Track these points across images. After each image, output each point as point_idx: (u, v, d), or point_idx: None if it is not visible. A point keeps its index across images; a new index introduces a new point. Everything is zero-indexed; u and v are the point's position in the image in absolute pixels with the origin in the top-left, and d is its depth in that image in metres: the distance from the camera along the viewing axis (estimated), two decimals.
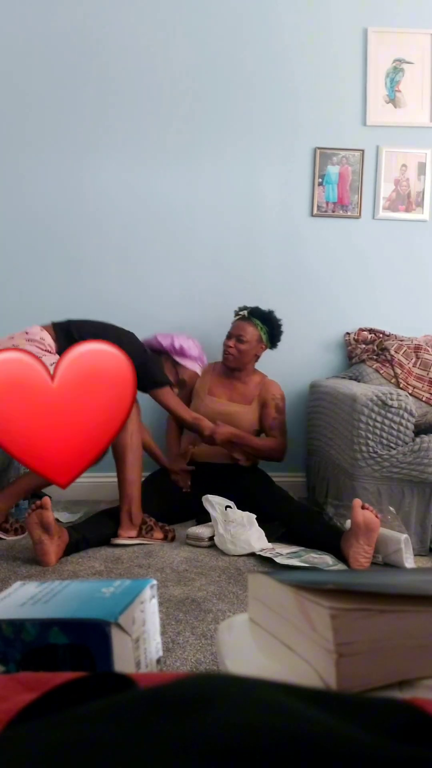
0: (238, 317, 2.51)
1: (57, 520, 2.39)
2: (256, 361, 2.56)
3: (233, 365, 2.50)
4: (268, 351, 2.91)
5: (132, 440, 2.12)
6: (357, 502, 1.93)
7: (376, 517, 1.91)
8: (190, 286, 2.84)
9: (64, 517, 2.44)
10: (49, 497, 2.72)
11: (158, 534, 2.16)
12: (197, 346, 2.47)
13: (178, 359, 2.39)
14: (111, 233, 2.82)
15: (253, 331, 2.46)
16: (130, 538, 2.11)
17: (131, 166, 2.80)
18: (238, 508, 2.19)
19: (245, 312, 2.50)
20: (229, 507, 2.17)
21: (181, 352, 2.37)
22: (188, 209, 2.84)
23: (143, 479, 2.43)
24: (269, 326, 2.48)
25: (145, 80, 2.77)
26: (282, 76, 2.82)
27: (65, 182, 2.78)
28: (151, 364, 2.24)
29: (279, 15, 2.78)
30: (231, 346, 2.46)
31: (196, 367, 2.45)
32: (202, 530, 2.15)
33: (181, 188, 2.83)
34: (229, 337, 2.49)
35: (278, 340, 2.54)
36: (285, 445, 2.49)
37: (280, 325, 2.52)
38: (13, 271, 2.79)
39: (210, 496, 2.19)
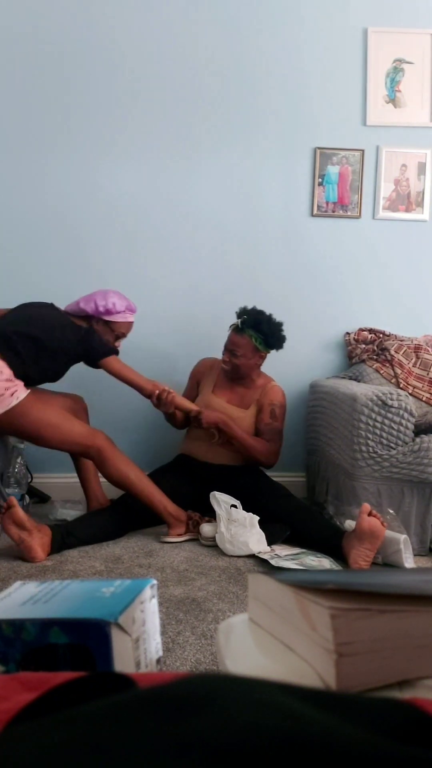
0: (231, 328, 2.42)
1: (63, 519, 2.40)
2: (260, 366, 2.48)
3: (232, 377, 2.45)
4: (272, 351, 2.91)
5: (124, 470, 2.18)
6: (365, 507, 1.93)
7: (383, 524, 1.91)
8: (191, 286, 2.84)
9: (70, 516, 2.43)
10: (48, 496, 2.74)
11: None
12: (120, 298, 2.37)
13: (108, 319, 2.33)
14: (112, 232, 2.82)
15: (246, 343, 2.37)
16: (179, 535, 2.21)
17: (131, 166, 2.80)
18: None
19: (238, 322, 2.39)
20: (234, 506, 2.16)
21: (108, 312, 2.31)
22: (189, 209, 2.84)
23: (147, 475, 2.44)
24: (264, 333, 2.37)
25: (146, 81, 2.77)
26: (282, 76, 2.82)
27: (66, 181, 2.78)
28: (88, 339, 2.24)
29: (279, 15, 2.78)
30: (227, 361, 2.40)
31: (128, 318, 2.39)
32: (208, 528, 2.16)
33: (181, 188, 2.83)
34: (225, 349, 2.42)
35: (281, 343, 2.43)
36: (275, 452, 2.41)
37: (279, 329, 2.41)
38: (18, 267, 2.78)
39: (217, 494, 2.19)
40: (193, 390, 2.60)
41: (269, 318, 2.41)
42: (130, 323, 2.42)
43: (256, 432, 2.45)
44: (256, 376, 2.49)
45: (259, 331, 2.36)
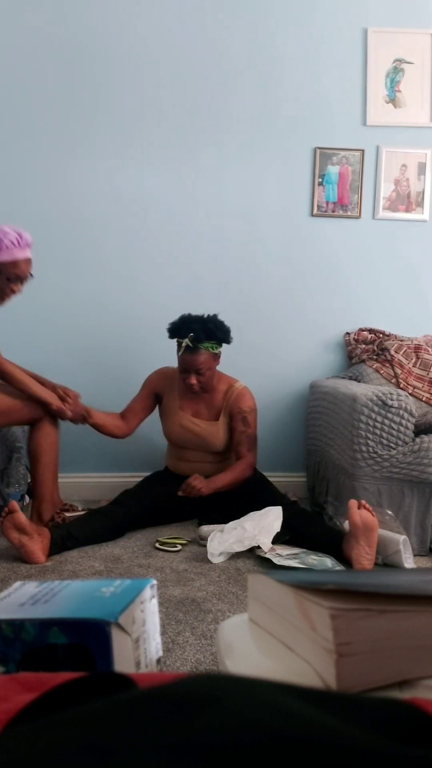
0: (183, 350, 2.26)
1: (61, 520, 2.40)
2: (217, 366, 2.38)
3: (202, 394, 2.36)
4: (263, 347, 2.90)
5: (46, 441, 2.21)
6: (353, 503, 1.93)
7: (373, 515, 1.91)
8: (190, 287, 2.84)
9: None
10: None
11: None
12: (6, 230, 1.99)
13: None
14: (110, 235, 2.82)
15: (206, 358, 2.27)
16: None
17: (129, 167, 2.80)
18: (236, 516, 2.17)
19: (188, 342, 2.24)
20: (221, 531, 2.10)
21: None
22: (188, 209, 2.84)
23: (141, 479, 2.44)
24: (216, 338, 2.28)
25: (143, 80, 2.77)
26: (282, 76, 2.82)
27: (62, 183, 2.77)
28: None
29: (279, 15, 2.78)
30: (194, 383, 2.28)
31: (16, 254, 1.98)
32: (206, 529, 2.15)
33: (180, 189, 2.83)
34: (185, 371, 2.29)
35: (230, 338, 2.35)
36: (252, 463, 2.33)
37: (223, 326, 2.32)
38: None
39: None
40: (145, 400, 2.45)
41: (212, 320, 2.30)
42: (26, 260, 2.02)
43: (231, 439, 2.37)
44: (217, 379, 2.39)
45: (212, 339, 2.27)
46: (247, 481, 2.34)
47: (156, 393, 2.46)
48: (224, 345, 2.37)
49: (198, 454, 2.39)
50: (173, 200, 2.83)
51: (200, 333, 2.24)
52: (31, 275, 2.09)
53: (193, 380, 2.29)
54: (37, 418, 2.22)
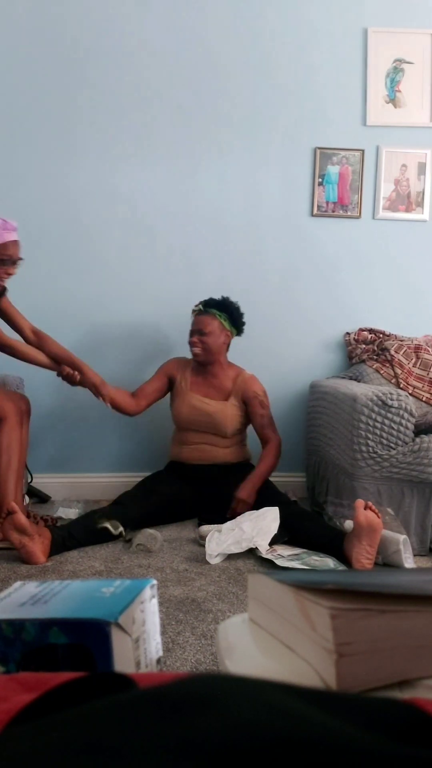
0: (194, 312, 2.48)
1: (60, 517, 2.40)
2: (227, 350, 2.52)
3: (203, 360, 2.45)
4: (263, 347, 2.90)
5: (6, 440, 2.15)
6: (359, 502, 1.92)
7: (378, 516, 1.91)
8: (190, 287, 2.84)
9: (72, 514, 2.43)
10: (49, 496, 2.73)
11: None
12: None
13: None
14: (110, 235, 2.82)
15: (212, 321, 2.42)
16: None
17: (129, 168, 2.79)
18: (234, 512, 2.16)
19: (200, 306, 2.47)
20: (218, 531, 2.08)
21: None
22: (188, 210, 2.84)
23: (140, 480, 2.44)
24: (228, 312, 2.45)
25: (143, 81, 2.77)
26: (282, 76, 2.81)
27: (62, 183, 2.77)
28: None
29: (279, 14, 2.78)
30: (196, 342, 2.43)
31: (7, 236, 2.06)
32: (206, 528, 2.14)
33: (180, 189, 2.82)
34: (191, 334, 2.45)
35: (242, 325, 2.50)
36: (279, 441, 2.46)
37: (238, 309, 2.49)
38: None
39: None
40: (157, 382, 2.54)
41: (227, 300, 2.49)
42: (14, 242, 2.09)
43: (253, 426, 2.49)
44: (225, 362, 2.52)
45: (222, 309, 2.45)
46: (242, 481, 2.35)
47: (169, 376, 2.56)
48: (233, 340, 2.47)
49: (205, 436, 2.45)
50: (173, 200, 2.83)
51: (213, 300, 2.47)
52: (21, 258, 2.16)
53: (195, 339, 2.42)
54: (2, 417, 2.16)
